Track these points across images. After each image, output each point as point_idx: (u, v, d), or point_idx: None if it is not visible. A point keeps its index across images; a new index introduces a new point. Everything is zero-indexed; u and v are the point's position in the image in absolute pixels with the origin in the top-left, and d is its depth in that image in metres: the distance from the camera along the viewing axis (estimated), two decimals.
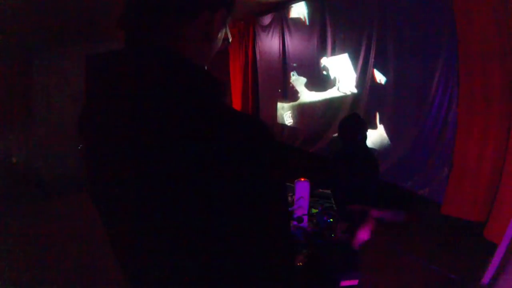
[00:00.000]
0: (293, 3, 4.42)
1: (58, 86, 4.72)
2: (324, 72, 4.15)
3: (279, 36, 4.86)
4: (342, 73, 3.88)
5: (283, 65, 4.92)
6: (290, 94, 4.91)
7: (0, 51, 3.86)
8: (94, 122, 0.59)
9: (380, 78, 3.33)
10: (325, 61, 4.11)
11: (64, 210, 3.58)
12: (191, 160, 0.47)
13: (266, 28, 5.11)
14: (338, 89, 3.98)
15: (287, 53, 4.83)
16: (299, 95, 4.77)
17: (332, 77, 4.06)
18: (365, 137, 1.94)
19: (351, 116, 2.12)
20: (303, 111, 4.73)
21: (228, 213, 0.48)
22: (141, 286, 0.61)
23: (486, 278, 2.00)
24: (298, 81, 4.74)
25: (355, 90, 3.71)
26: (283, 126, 5.09)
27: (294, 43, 4.66)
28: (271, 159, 0.51)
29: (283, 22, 4.72)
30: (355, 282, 1.63)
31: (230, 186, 0.47)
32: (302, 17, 4.40)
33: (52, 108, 4.73)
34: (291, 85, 4.87)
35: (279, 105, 5.16)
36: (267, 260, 0.53)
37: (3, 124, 4.28)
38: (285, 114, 5.07)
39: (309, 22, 4.29)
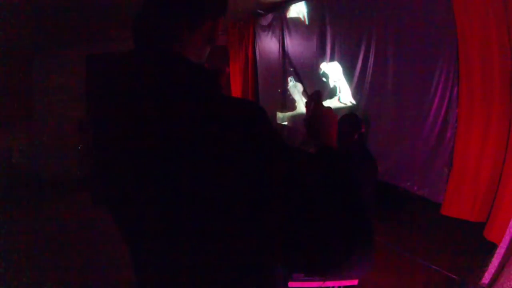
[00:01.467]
0: (293, 3, 4.42)
1: (58, 86, 4.72)
2: (324, 79, 4.10)
3: (279, 36, 4.86)
4: (342, 81, 3.81)
5: (283, 66, 4.92)
6: (288, 102, 4.84)
7: (0, 51, 3.86)
8: (101, 121, 0.59)
9: (379, 77, 3.33)
10: (324, 66, 4.07)
11: (64, 210, 3.58)
12: (199, 157, 0.48)
13: (266, 28, 5.11)
14: (339, 99, 3.91)
15: (286, 55, 4.82)
16: (296, 104, 4.69)
17: (332, 85, 4.00)
18: (362, 137, 1.94)
19: (348, 115, 2.12)
20: (301, 119, 4.66)
21: (236, 205, 0.48)
22: (150, 280, 0.62)
23: (486, 278, 2.00)
24: (295, 88, 4.65)
25: (354, 100, 3.69)
26: (283, 126, 5.09)
27: (294, 45, 4.64)
28: (271, 140, 0.52)
29: (283, 22, 4.72)
30: (355, 282, 1.64)
31: (239, 180, 0.48)
32: (301, 16, 4.39)
33: (52, 108, 4.73)
34: (288, 93, 4.81)
35: (278, 114, 5.10)
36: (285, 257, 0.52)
37: (3, 124, 4.28)
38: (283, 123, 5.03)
39: (308, 22, 4.29)
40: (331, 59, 3.97)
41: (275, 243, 0.50)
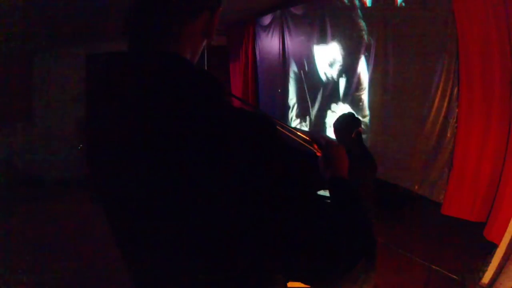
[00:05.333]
0: (293, 4, 4.42)
1: (58, 86, 4.72)
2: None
3: (279, 36, 4.86)
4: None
5: (283, 65, 4.92)
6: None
7: (0, 51, 3.86)
8: (99, 122, 0.59)
9: (380, 78, 3.33)
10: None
11: (64, 210, 3.58)
12: (197, 159, 0.47)
13: (266, 28, 5.11)
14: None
15: (286, 54, 4.82)
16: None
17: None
18: (359, 135, 1.93)
19: (346, 114, 2.12)
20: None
21: (235, 210, 0.48)
22: (147, 284, 0.62)
23: (486, 278, 2.00)
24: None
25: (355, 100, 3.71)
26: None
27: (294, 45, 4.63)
28: (276, 149, 0.51)
29: (283, 22, 4.72)
30: None
31: (236, 183, 0.47)
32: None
33: (52, 108, 4.73)
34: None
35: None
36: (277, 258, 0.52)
37: (3, 124, 4.28)
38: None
39: (309, 23, 4.28)
40: (331, 57, 3.97)
41: (278, 252, 0.51)
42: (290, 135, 0.91)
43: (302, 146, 0.95)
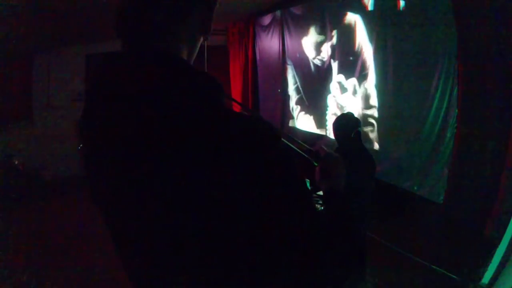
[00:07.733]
0: (293, 4, 4.42)
1: (58, 86, 4.72)
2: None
3: (279, 36, 4.86)
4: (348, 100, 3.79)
5: (283, 66, 4.92)
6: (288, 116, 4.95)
7: (0, 51, 3.86)
8: (95, 123, 0.59)
9: (379, 77, 3.33)
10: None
11: (64, 210, 3.58)
12: (194, 161, 0.47)
13: (266, 28, 5.11)
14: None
15: (286, 54, 4.82)
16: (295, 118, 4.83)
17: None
18: (358, 135, 1.94)
19: (344, 114, 2.13)
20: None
21: (233, 212, 0.48)
22: (145, 284, 0.61)
23: (486, 278, 2.00)
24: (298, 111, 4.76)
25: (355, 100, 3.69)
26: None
27: (294, 46, 4.62)
28: (277, 156, 0.51)
29: (283, 22, 4.72)
30: None
31: (234, 187, 0.47)
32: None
33: (52, 108, 4.73)
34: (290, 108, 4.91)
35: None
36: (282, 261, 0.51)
37: (3, 124, 4.27)
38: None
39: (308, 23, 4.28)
40: (331, 59, 3.97)
41: (273, 258, 0.50)
42: (288, 143, 0.89)
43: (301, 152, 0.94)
